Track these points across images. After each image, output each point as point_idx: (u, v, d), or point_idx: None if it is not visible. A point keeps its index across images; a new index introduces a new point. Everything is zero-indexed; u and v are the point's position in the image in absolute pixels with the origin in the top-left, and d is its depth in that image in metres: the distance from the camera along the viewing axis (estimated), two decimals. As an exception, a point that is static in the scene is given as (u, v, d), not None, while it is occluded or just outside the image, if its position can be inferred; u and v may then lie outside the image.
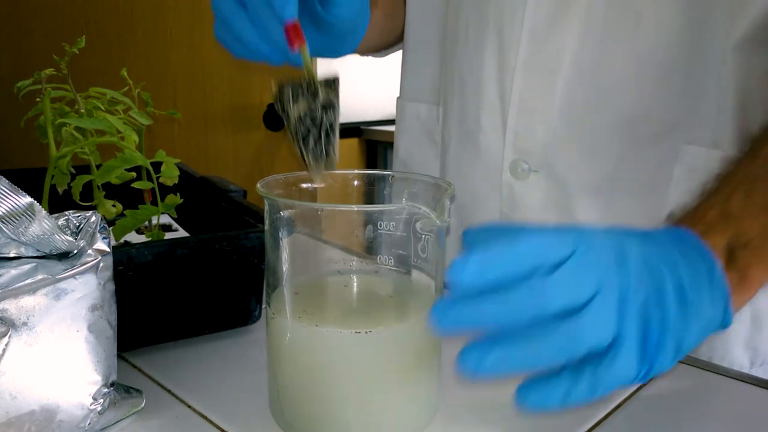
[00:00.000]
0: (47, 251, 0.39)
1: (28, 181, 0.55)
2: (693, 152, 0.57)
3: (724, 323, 0.39)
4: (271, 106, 1.37)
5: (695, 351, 0.53)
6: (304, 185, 0.45)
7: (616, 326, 0.34)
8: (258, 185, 0.42)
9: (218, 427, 0.44)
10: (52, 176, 0.56)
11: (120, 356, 0.45)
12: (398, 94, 0.79)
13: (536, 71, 0.61)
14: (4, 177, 0.38)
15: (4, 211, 0.37)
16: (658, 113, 0.59)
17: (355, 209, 0.40)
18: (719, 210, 0.42)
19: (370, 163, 1.92)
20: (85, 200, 0.56)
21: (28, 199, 0.37)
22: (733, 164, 0.45)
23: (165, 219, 0.68)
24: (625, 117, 0.59)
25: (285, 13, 0.41)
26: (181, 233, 0.67)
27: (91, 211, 0.41)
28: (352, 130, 1.86)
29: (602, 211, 0.62)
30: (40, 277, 0.38)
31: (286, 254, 0.42)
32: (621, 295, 0.35)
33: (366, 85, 1.82)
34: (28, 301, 0.38)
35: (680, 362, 0.45)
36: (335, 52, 0.55)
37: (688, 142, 0.58)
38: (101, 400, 0.41)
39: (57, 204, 0.54)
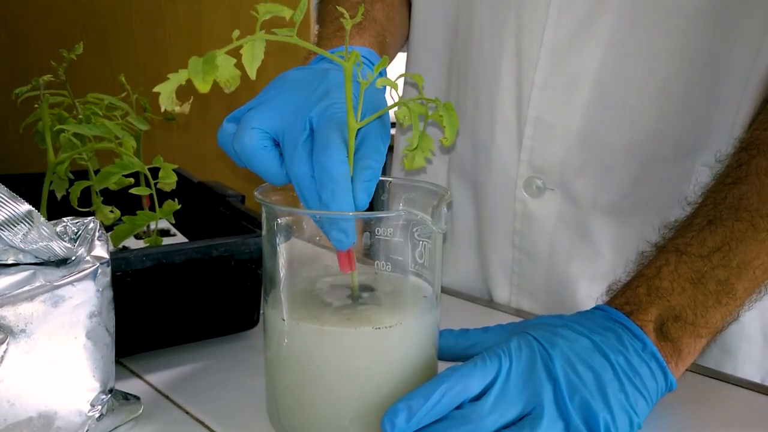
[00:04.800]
0: (45, 258, 0.39)
1: (26, 186, 0.55)
2: (706, 173, 0.57)
3: (670, 388, 0.44)
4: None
5: (703, 361, 0.54)
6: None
7: (563, 430, 0.39)
8: (255, 192, 0.42)
9: (216, 433, 0.44)
10: (51, 182, 0.56)
11: (118, 362, 0.45)
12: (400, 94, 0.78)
13: (555, 89, 0.61)
14: (3, 182, 0.38)
15: (3, 218, 0.37)
16: (676, 135, 0.59)
17: (352, 216, 0.40)
18: (647, 287, 0.45)
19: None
20: (83, 206, 0.56)
21: (26, 207, 0.37)
22: (672, 227, 0.49)
23: (163, 224, 0.68)
24: (643, 138, 0.59)
25: (341, 247, 0.40)
26: (180, 238, 0.67)
27: (89, 218, 0.41)
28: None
29: (616, 231, 0.62)
30: (38, 284, 0.38)
31: (283, 260, 0.42)
32: (556, 404, 0.39)
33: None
34: (26, 308, 0.38)
35: (687, 370, 0.46)
36: None
37: (703, 164, 0.59)
38: (99, 407, 0.41)
39: (55, 209, 0.54)
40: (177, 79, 0.35)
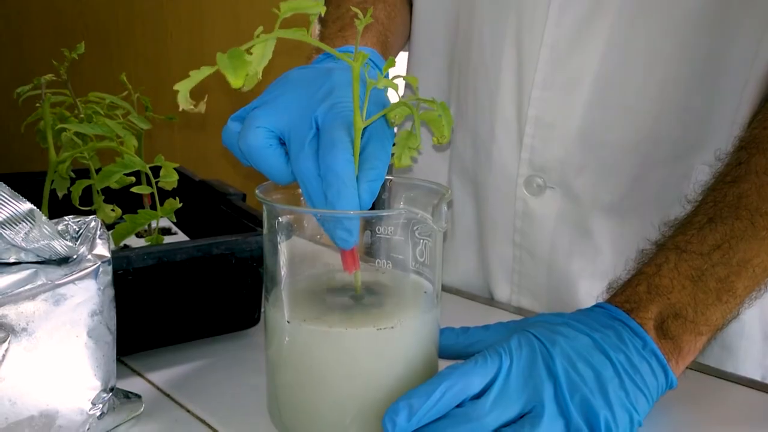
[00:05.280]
0: (47, 257, 0.39)
1: (28, 185, 0.55)
2: (706, 172, 0.57)
3: (670, 385, 0.43)
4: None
5: (703, 359, 0.54)
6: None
7: (564, 428, 0.39)
8: (256, 191, 0.42)
9: (217, 432, 0.44)
10: (52, 181, 0.56)
11: (119, 360, 0.45)
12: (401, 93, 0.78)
13: (555, 89, 0.61)
14: (5, 181, 0.38)
15: (5, 217, 0.37)
16: (676, 134, 0.59)
17: (356, 215, 0.40)
18: (647, 284, 0.45)
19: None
20: (85, 205, 0.56)
21: (28, 206, 0.37)
22: (672, 225, 0.49)
23: (164, 222, 0.68)
24: (643, 137, 0.59)
25: (346, 246, 0.41)
26: (181, 236, 0.67)
27: (90, 217, 0.41)
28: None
29: (616, 229, 0.62)
30: (39, 282, 0.38)
31: (284, 258, 0.43)
32: (557, 401, 0.39)
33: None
34: (27, 307, 0.38)
35: (687, 368, 0.46)
36: None
37: (703, 162, 0.59)
38: (100, 405, 0.42)
39: (56, 208, 0.54)
40: (196, 76, 0.34)
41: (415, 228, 0.41)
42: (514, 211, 0.66)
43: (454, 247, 0.73)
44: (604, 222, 0.62)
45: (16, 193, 0.37)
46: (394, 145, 0.42)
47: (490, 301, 0.70)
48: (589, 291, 0.63)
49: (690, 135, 0.59)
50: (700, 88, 0.57)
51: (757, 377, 0.61)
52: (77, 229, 0.41)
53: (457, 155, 0.71)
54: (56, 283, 0.39)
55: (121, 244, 0.56)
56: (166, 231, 0.67)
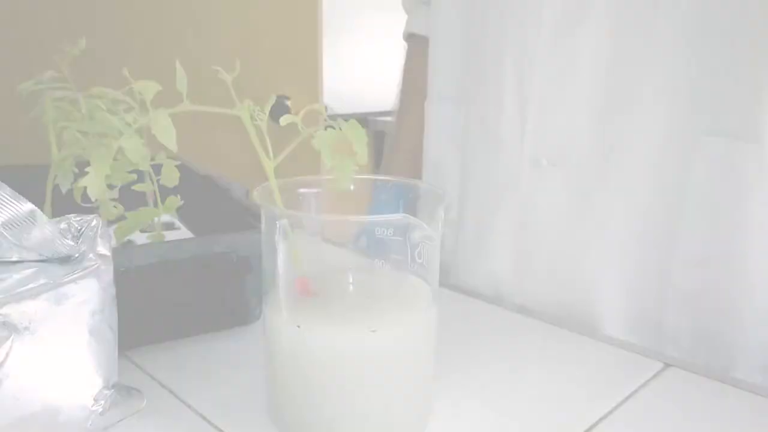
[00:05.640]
0: (48, 256, 0.40)
1: (34, 178, 0.56)
2: (713, 144, 0.56)
3: None
4: (278, 98, 1.37)
5: (703, 362, 0.53)
6: (302, 190, 0.45)
7: None
8: (254, 193, 0.42)
9: (217, 428, 0.45)
10: (55, 176, 0.56)
11: (122, 354, 0.45)
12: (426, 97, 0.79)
13: (556, 68, 0.62)
14: (11, 174, 0.38)
15: (6, 218, 0.37)
16: (682, 115, 0.58)
17: (351, 219, 0.40)
18: None
19: (377, 155, 1.91)
20: (86, 201, 0.57)
21: (29, 206, 0.38)
22: None
23: (167, 217, 0.69)
24: (647, 118, 0.59)
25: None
26: (184, 231, 0.67)
27: (92, 215, 0.42)
28: (358, 120, 1.86)
29: (622, 209, 0.62)
30: (41, 281, 0.39)
31: (283, 258, 0.43)
32: None
33: (373, 74, 1.81)
34: (29, 306, 0.39)
35: (687, 371, 0.46)
36: None
37: (708, 133, 0.57)
38: (102, 402, 0.42)
39: (60, 202, 0.54)
40: (99, 169, 0.35)
41: (412, 230, 0.41)
42: (519, 193, 0.66)
43: (460, 233, 0.74)
44: (608, 202, 0.63)
45: (17, 194, 0.38)
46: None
47: (492, 299, 0.70)
48: (594, 272, 0.64)
49: (695, 115, 0.58)
50: (709, 64, 0.56)
51: (758, 381, 0.61)
52: (79, 228, 0.41)
53: (465, 140, 0.72)
54: (58, 282, 0.39)
55: (125, 240, 0.56)
56: (169, 225, 0.68)
